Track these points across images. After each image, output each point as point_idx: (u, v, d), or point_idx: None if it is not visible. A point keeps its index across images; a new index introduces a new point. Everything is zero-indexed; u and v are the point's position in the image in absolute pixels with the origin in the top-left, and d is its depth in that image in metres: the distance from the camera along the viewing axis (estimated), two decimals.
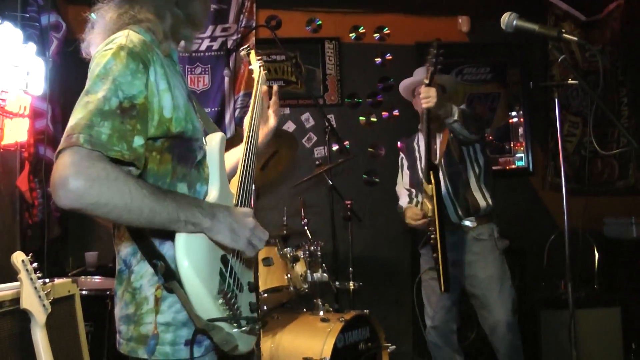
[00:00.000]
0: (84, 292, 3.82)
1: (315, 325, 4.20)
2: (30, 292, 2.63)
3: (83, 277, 4.38)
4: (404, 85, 4.79)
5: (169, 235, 1.79)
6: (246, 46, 3.13)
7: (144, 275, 1.85)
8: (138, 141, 1.70)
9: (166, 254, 1.81)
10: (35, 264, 2.67)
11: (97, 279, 4.37)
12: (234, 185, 2.15)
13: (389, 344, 4.40)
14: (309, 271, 4.51)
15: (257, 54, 2.95)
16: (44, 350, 2.66)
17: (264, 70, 2.81)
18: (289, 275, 4.39)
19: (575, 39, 3.03)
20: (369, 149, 6.28)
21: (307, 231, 4.73)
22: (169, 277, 1.77)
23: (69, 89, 5.55)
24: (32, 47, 4.15)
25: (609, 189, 6.75)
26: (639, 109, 6.89)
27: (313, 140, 6.08)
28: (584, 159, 6.52)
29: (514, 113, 6.69)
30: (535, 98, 6.53)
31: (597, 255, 5.35)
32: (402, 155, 4.74)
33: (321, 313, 4.37)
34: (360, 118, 6.30)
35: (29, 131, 4.41)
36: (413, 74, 4.72)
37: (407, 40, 6.42)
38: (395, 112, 6.34)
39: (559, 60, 3.13)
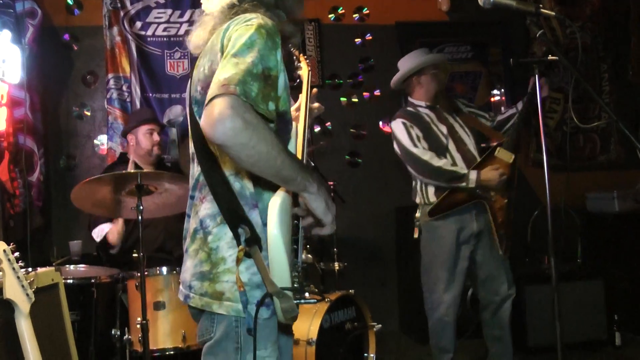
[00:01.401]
0: (69, 281, 3.82)
1: (300, 307, 4.16)
2: (13, 281, 2.62)
3: (68, 266, 4.37)
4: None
5: (258, 204, 1.96)
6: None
7: (222, 237, 1.97)
8: (271, 106, 1.86)
9: (255, 218, 1.94)
10: (17, 254, 2.66)
11: (82, 267, 4.35)
12: None
13: (375, 323, 4.42)
14: None
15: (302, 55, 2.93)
16: (29, 340, 2.65)
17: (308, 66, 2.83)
18: None
19: (553, 14, 3.04)
20: (351, 130, 6.29)
21: None
22: (252, 242, 1.90)
23: (47, 76, 5.53)
24: (7, 34, 4.11)
25: (591, 164, 6.80)
26: (620, 84, 6.93)
27: None
28: (566, 134, 6.55)
29: (495, 91, 6.70)
30: (516, 75, 6.54)
31: (580, 229, 5.39)
32: (408, 123, 4.42)
33: (306, 294, 4.36)
34: (342, 99, 6.29)
35: (8, 120, 4.38)
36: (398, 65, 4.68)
37: (387, 20, 6.41)
38: (377, 92, 6.34)
39: (537, 35, 3.13)
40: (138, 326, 3.67)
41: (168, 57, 5.81)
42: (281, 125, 2.01)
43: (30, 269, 3.07)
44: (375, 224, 6.22)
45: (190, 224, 2.09)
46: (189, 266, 2.05)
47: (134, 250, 3.82)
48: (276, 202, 1.88)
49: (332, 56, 6.30)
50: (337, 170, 6.07)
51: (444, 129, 4.39)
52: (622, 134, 6.47)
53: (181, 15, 5.86)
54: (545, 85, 4.40)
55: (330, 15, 6.31)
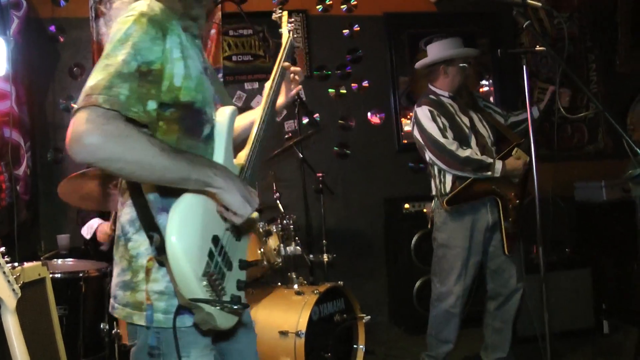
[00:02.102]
0: (57, 276, 3.79)
1: (290, 299, 4.20)
2: None
3: (56, 260, 4.34)
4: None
5: (168, 208, 1.82)
6: (279, 7, 2.92)
7: (141, 244, 1.88)
8: (152, 105, 1.77)
9: (162, 228, 1.82)
10: (3, 248, 2.63)
11: (70, 261, 4.32)
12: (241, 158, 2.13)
13: (364, 315, 4.41)
14: (282, 245, 4.49)
15: (289, 17, 2.76)
16: (15, 336, 2.62)
17: (293, 35, 2.66)
18: (262, 250, 4.36)
19: (540, 4, 3.03)
20: (340, 121, 6.28)
21: (279, 205, 4.70)
22: (163, 251, 1.77)
23: (33, 68, 5.48)
24: None
25: (579, 153, 6.83)
26: (607, 74, 6.95)
27: (283, 113, 6.02)
28: (554, 125, 6.55)
29: (484, 82, 6.70)
30: (504, 66, 6.54)
31: (568, 219, 5.40)
32: (435, 111, 4.35)
33: (295, 286, 4.37)
34: (330, 90, 6.28)
35: None
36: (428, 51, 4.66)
37: (375, 10, 6.40)
38: (365, 83, 6.33)
39: (524, 25, 3.10)
40: None
41: None
42: (187, 115, 1.88)
43: (17, 264, 3.04)
44: (364, 215, 6.22)
45: (116, 230, 2.00)
46: (114, 275, 1.98)
47: None
48: (176, 208, 1.78)
49: (320, 47, 6.27)
50: (325, 161, 6.07)
51: (467, 121, 4.40)
52: (609, 124, 6.50)
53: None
54: (565, 93, 4.53)
55: (318, 6, 6.28)
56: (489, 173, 4.18)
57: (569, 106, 6.12)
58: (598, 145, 6.94)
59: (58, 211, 5.52)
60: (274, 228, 4.52)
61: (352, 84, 6.32)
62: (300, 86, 2.59)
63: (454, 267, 4.29)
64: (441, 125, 4.29)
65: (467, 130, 4.35)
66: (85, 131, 1.59)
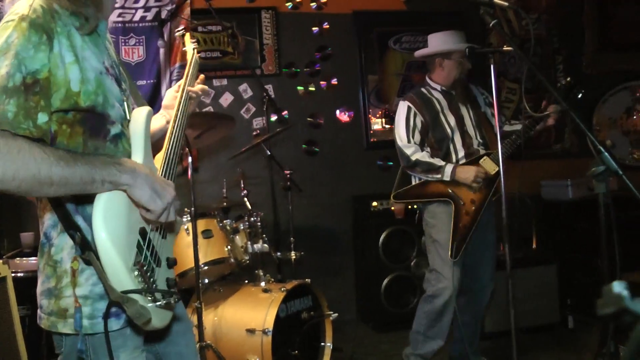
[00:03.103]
0: (19, 275, 3.73)
1: (257, 296, 4.17)
2: None
3: (19, 258, 4.26)
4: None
5: (84, 204, 1.77)
6: (181, 28, 3.06)
7: (64, 247, 1.81)
8: (42, 118, 1.64)
9: (82, 224, 1.77)
10: None
11: (33, 260, 4.24)
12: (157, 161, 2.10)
13: (331, 312, 4.40)
14: (249, 242, 4.48)
15: (191, 34, 2.91)
16: None
17: (197, 53, 2.76)
18: (229, 247, 4.34)
19: (507, 4, 3.03)
20: (308, 119, 6.24)
21: (247, 202, 4.67)
22: (86, 248, 1.72)
23: None
24: None
25: (545, 152, 6.87)
26: (574, 75, 6.99)
27: (251, 111, 6.00)
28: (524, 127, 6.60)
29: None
30: (472, 65, 6.54)
31: (534, 216, 5.43)
32: (414, 109, 4.37)
33: (263, 284, 4.34)
34: (299, 88, 6.23)
35: None
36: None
37: (345, 8, 6.37)
38: (334, 81, 6.30)
39: (491, 24, 3.10)
40: None
41: (123, 44, 5.68)
42: (90, 117, 1.78)
43: None
44: (332, 212, 6.20)
45: (40, 238, 1.90)
46: (39, 283, 1.88)
47: None
48: (100, 199, 1.72)
49: (289, 45, 6.23)
50: (294, 159, 6.03)
51: (452, 120, 4.36)
52: (575, 123, 6.54)
53: (136, 1, 5.72)
54: (551, 109, 4.52)
55: (287, 4, 6.24)
56: (439, 176, 4.24)
57: (537, 106, 6.18)
58: (564, 144, 7.00)
59: (20, 209, 5.42)
60: (241, 225, 4.52)
61: (321, 82, 6.29)
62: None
63: (448, 261, 4.22)
64: (412, 125, 4.34)
65: (448, 130, 4.33)
66: None
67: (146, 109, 2.02)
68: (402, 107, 4.40)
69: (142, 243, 1.84)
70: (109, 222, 1.70)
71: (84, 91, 1.75)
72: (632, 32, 7.20)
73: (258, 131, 5.88)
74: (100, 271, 1.70)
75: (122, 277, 1.69)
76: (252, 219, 4.54)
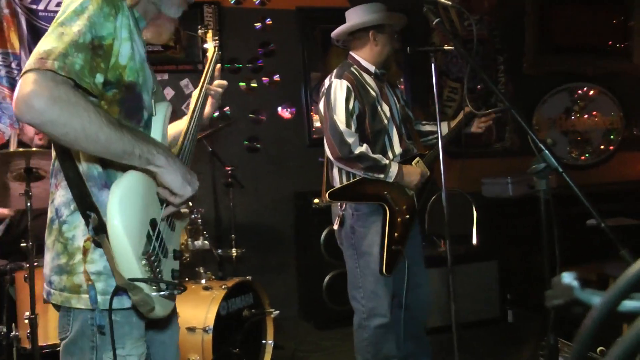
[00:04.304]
0: None
1: (198, 294, 4.13)
2: None
3: None
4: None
5: (107, 187, 1.82)
6: (204, 25, 3.07)
7: (77, 225, 1.85)
8: (99, 78, 1.76)
9: (100, 206, 1.80)
10: None
11: None
12: None
13: (273, 310, 4.37)
14: (190, 239, 4.41)
15: (214, 32, 2.94)
16: None
17: (218, 50, 2.81)
18: None
19: (450, 3, 3.05)
20: (250, 115, 6.20)
21: None
22: (100, 231, 1.75)
23: None
24: None
25: (486, 151, 6.97)
26: (515, 75, 7.16)
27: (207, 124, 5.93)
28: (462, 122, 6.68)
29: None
30: (415, 64, 6.59)
31: (475, 213, 5.49)
32: (354, 93, 3.69)
33: (203, 281, 4.30)
34: (241, 84, 6.19)
35: None
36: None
37: (288, 4, 6.36)
38: (276, 77, 6.28)
39: (434, 23, 3.10)
40: (26, 321, 3.53)
41: None
42: (129, 97, 1.89)
43: None
44: (274, 209, 6.17)
45: (48, 214, 1.96)
46: (48, 260, 1.92)
47: (22, 240, 3.65)
48: (119, 185, 1.77)
49: (232, 40, 6.18)
50: (235, 155, 5.98)
51: (387, 111, 3.82)
52: (516, 122, 6.66)
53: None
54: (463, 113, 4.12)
55: None
56: (382, 176, 3.64)
57: (478, 105, 6.27)
58: (505, 143, 7.13)
59: None
60: None
61: (264, 78, 6.26)
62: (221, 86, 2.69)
63: (381, 279, 3.70)
64: (351, 109, 3.66)
65: (385, 122, 3.78)
66: (33, 92, 1.57)
67: (166, 103, 2.10)
68: (341, 86, 3.67)
69: (151, 234, 1.86)
70: (124, 210, 1.73)
71: (129, 67, 1.87)
72: (572, 35, 7.39)
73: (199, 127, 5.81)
74: (109, 255, 1.74)
75: (131, 264, 1.73)
76: (192, 215, 4.48)
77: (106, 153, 1.71)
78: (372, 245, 3.69)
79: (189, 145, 2.22)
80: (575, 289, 0.74)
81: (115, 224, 1.71)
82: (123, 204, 1.73)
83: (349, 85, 3.68)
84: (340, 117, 3.63)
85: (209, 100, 2.65)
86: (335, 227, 3.86)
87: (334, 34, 4.02)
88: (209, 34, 2.92)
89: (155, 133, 2.01)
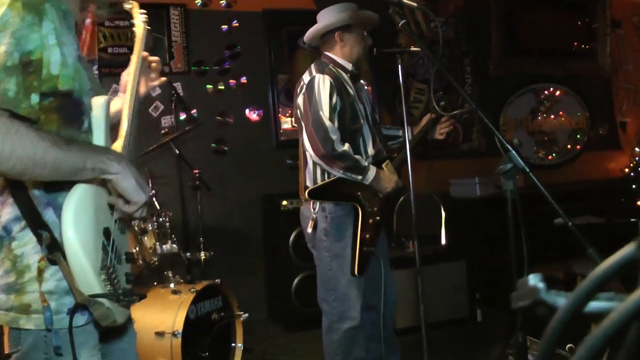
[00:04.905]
0: None
1: (166, 298, 4.09)
2: None
3: None
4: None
5: (55, 192, 1.76)
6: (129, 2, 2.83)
7: (27, 242, 1.77)
8: (35, 99, 1.66)
9: (51, 217, 1.74)
10: None
11: None
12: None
13: (242, 313, 4.36)
14: (158, 243, 4.37)
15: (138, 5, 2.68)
16: None
17: (146, 26, 2.57)
18: (137, 249, 4.23)
19: (415, 4, 3.06)
20: (217, 118, 6.16)
21: (155, 202, 4.57)
22: (54, 249, 1.70)
23: None
24: None
25: (454, 152, 7.02)
26: (481, 77, 7.21)
27: (160, 109, 5.89)
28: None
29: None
30: (381, 65, 6.61)
31: (443, 214, 5.52)
32: (337, 90, 3.64)
33: (172, 285, 4.25)
34: (208, 86, 6.15)
35: None
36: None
37: (254, 7, 6.33)
38: (243, 80, 6.25)
39: (400, 25, 3.11)
40: None
41: None
42: (67, 104, 1.78)
43: None
44: (242, 212, 6.15)
45: None
46: None
47: None
48: (70, 199, 1.71)
49: (198, 42, 6.15)
50: (203, 158, 5.94)
51: (362, 110, 3.81)
52: (483, 123, 6.73)
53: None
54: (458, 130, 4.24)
55: (196, 1, 6.14)
56: (359, 177, 3.61)
57: (445, 108, 6.32)
58: (472, 144, 7.17)
59: None
60: (149, 226, 4.40)
61: (230, 80, 6.23)
62: (164, 78, 2.54)
63: (353, 280, 3.70)
64: (333, 104, 3.60)
65: (362, 121, 3.77)
66: None
67: (104, 97, 1.97)
68: (324, 81, 3.61)
69: (106, 244, 1.82)
70: (78, 226, 1.68)
71: (63, 75, 1.75)
72: (538, 37, 7.48)
73: (166, 129, 5.77)
74: (67, 273, 1.69)
75: (90, 280, 1.68)
76: (160, 219, 4.44)
77: (58, 175, 1.66)
78: (345, 248, 3.68)
79: (131, 136, 2.09)
80: (541, 291, 0.75)
81: (71, 242, 1.66)
82: (78, 219, 1.68)
83: (331, 80, 3.63)
84: (325, 113, 3.56)
85: (142, 79, 2.43)
86: (309, 230, 3.79)
87: (305, 38, 4.02)
88: (135, 9, 2.65)
89: (98, 134, 1.91)
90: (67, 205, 1.69)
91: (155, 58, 2.46)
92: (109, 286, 1.75)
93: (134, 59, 2.33)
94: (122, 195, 1.79)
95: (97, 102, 1.95)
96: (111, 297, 1.73)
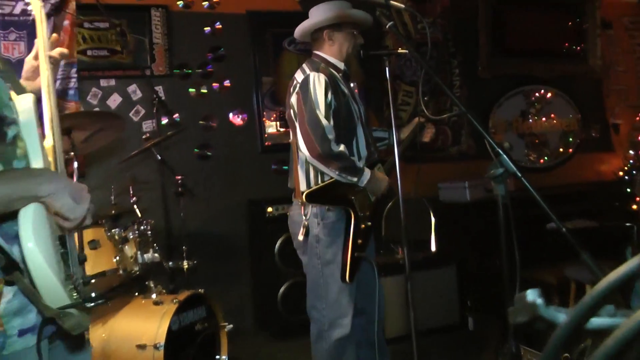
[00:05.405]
0: None
1: (148, 309, 4.03)
2: None
3: None
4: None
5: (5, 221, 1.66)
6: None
7: None
8: None
9: (3, 245, 1.65)
10: None
11: None
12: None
13: (227, 323, 4.31)
14: (139, 252, 4.31)
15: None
16: None
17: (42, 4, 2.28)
18: (118, 258, 4.16)
19: (403, 6, 3.03)
20: (201, 122, 6.10)
21: (137, 209, 4.51)
22: (10, 269, 1.61)
23: None
24: None
25: (443, 155, 6.99)
26: (470, 78, 7.21)
27: (141, 113, 5.82)
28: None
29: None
30: (369, 68, 6.59)
31: (433, 219, 5.50)
32: (332, 88, 3.61)
33: (154, 295, 4.20)
34: (190, 90, 6.09)
35: None
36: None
37: (238, 8, 6.29)
38: (227, 83, 6.20)
39: (387, 26, 3.08)
40: None
41: (2, 38, 5.39)
42: None
43: None
44: (226, 218, 6.09)
45: None
46: None
47: None
48: (27, 212, 1.62)
49: (181, 45, 6.09)
50: (186, 163, 5.88)
51: (357, 110, 3.79)
52: (472, 126, 6.71)
53: None
54: (430, 129, 4.18)
55: (178, 2, 6.09)
56: (355, 179, 3.57)
57: (434, 109, 6.31)
58: (461, 147, 7.15)
59: None
60: (130, 234, 4.34)
61: (214, 84, 6.17)
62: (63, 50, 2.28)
63: (345, 287, 3.67)
64: (329, 103, 3.57)
65: (356, 121, 3.76)
66: None
67: (29, 96, 1.88)
68: (319, 79, 3.59)
69: (64, 252, 1.77)
70: (38, 239, 1.59)
71: None
72: (527, 38, 7.48)
73: (148, 134, 5.71)
74: (29, 290, 1.61)
75: (59, 292, 1.62)
76: (142, 227, 4.38)
77: None
78: (337, 254, 3.64)
79: (57, 134, 1.97)
80: (540, 307, 0.71)
81: (34, 255, 1.58)
82: (35, 232, 1.61)
83: (326, 79, 3.60)
84: (322, 111, 3.53)
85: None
86: (300, 237, 3.75)
87: (295, 35, 4.02)
88: None
89: (30, 134, 1.82)
90: (24, 220, 1.61)
91: (63, 51, 2.23)
92: (76, 295, 1.69)
93: (41, 45, 2.13)
94: (58, 214, 1.70)
95: (24, 103, 1.86)
96: (81, 305, 1.68)
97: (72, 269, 1.77)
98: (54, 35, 2.22)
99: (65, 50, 2.25)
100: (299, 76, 3.75)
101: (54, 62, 2.16)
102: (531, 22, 7.49)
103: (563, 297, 4.85)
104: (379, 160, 3.89)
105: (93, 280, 3.99)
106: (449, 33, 7.17)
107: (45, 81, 2.03)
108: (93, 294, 1.80)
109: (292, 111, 3.74)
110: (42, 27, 2.15)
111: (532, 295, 0.72)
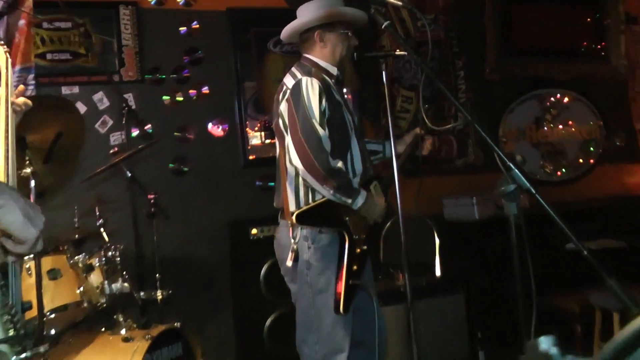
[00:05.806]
0: None
1: (116, 347, 4.02)
2: None
3: None
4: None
5: None
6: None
7: None
8: None
9: None
10: None
11: None
12: None
13: None
14: (106, 281, 4.29)
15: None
16: None
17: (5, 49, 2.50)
18: (82, 289, 4.16)
19: (400, 3, 3.03)
20: (176, 133, 6.08)
21: (104, 233, 4.49)
22: None
23: None
24: None
25: (447, 167, 6.96)
26: (477, 81, 7.17)
27: (109, 124, 5.80)
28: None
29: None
30: (363, 71, 6.58)
31: (437, 240, 5.48)
32: (325, 94, 3.62)
33: (123, 331, 4.18)
34: (164, 97, 6.07)
35: None
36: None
37: (217, 5, 6.31)
38: (205, 90, 6.18)
39: (383, 26, 3.09)
40: None
41: None
42: None
43: None
44: (205, 241, 6.05)
45: None
46: None
47: None
48: None
49: (153, 47, 6.09)
50: (159, 179, 5.84)
51: (350, 120, 3.82)
52: (480, 135, 6.69)
53: None
54: (428, 140, 4.25)
55: None
56: (349, 201, 3.55)
57: (436, 116, 6.29)
58: (468, 158, 7.11)
59: None
60: (96, 261, 4.33)
61: (190, 91, 6.16)
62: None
63: (340, 319, 3.65)
64: (323, 110, 3.57)
65: (350, 133, 3.79)
66: None
67: None
68: (312, 84, 3.59)
69: (4, 283, 1.75)
70: None
71: None
72: (539, 35, 7.47)
73: (116, 148, 5.69)
74: None
75: None
76: (109, 252, 4.37)
77: None
78: (330, 282, 3.62)
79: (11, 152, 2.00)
80: (555, 358, 0.68)
81: None
82: None
83: (320, 84, 3.61)
84: (316, 119, 3.53)
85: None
86: (289, 263, 3.74)
87: (282, 37, 4.07)
88: None
89: None
90: None
91: (27, 101, 2.36)
92: (12, 329, 1.67)
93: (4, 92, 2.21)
94: (8, 232, 1.66)
95: None
96: (15, 341, 1.65)
97: (13, 301, 1.74)
98: (21, 86, 2.36)
99: (29, 102, 2.34)
100: (289, 81, 3.76)
101: (16, 110, 2.25)
102: (545, 18, 7.49)
103: (587, 328, 4.82)
104: (375, 176, 3.88)
105: (52, 315, 3.95)
106: (452, 31, 7.15)
107: (3, 126, 2.07)
108: (53, 331, 1.78)
109: (280, 120, 3.74)
110: (5, 79, 2.26)
111: (545, 343, 0.70)
